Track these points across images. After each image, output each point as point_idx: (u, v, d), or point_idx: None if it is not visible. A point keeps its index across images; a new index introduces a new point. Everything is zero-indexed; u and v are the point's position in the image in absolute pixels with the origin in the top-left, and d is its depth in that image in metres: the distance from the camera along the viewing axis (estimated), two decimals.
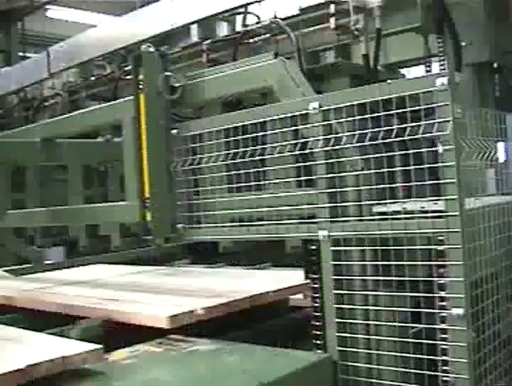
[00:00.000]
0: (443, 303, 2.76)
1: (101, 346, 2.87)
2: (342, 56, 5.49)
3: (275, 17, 5.09)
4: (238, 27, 5.99)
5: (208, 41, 5.84)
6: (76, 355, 2.75)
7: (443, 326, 2.77)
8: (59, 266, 6.11)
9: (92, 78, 7.26)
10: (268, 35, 5.44)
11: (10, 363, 2.60)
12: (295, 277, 3.95)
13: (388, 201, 2.94)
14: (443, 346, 2.77)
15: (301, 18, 5.09)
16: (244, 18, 5.73)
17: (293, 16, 5.10)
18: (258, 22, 5.33)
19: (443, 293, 2.76)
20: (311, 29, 5.12)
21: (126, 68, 6.31)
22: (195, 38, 6.07)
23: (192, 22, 5.24)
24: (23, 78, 5.51)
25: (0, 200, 4.91)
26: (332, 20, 4.66)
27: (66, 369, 2.71)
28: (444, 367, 2.76)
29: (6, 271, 5.52)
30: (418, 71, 6.18)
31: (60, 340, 3.11)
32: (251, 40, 5.52)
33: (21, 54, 15.76)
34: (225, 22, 6.40)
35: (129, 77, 6.10)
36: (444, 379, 2.77)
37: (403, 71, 6.32)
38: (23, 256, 6.02)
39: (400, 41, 5.35)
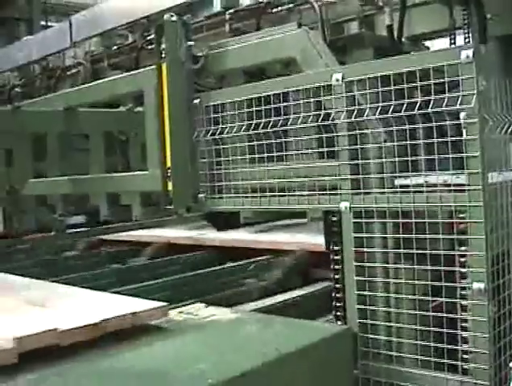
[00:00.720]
0: (464, 277, 2.76)
1: (166, 303, 3.03)
2: (366, 27, 5.44)
3: None
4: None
5: (231, 10, 5.80)
6: (143, 312, 2.93)
7: (463, 301, 2.77)
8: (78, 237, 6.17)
9: (114, 47, 7.25)
10: (291, 5, 5.39)
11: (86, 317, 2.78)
12: None
13: (410, 174, 2.93)
14: (464, 321, 2.77)
15: None
16: None
17: None
18: None
19: (464, 269, 2.76)
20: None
21: (148, 38, 6.28)
22: (218, 7, 6.02)
23: None
24: (46, 47, 5.51)
25: (22, 168, 4.92)
26: None
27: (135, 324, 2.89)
28: (464, 342, 2.77)
29: (28, 239, 5.56)
30: (442, 43, 6.11)
31: (129, 299, 3.22)
32: (274, 10, 5.48)
33: (43, 23, 15.80)
34: None
35: (151, 47, 6.10)
36: (464, 353, 2.77)
37: (427, 43, 6.25)
38: (46, 225, 6.06)
39: (424, 12, 5.29)
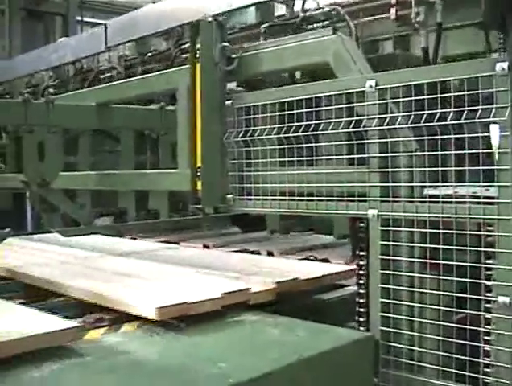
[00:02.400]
0: (490, 291, 2.74)
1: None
2: (400, 48, 5.42)
3: (335, 4, 5.04)
4: (297, 11, 5.93)
5: (266, 24, 5.80)
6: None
7: (487, 314, 2.75)
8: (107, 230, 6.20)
9: (148, 54, 7.29)
10: (327, 22, 5.38)
11: None
12: None
13: (440, 184, 2.92)
14: (487, 334, 2.75)
15: (361, 6, 5.04)
16: (303, 3, 5.68)
17: (353, 4, 5.05)
18: (317, 9, 5.28)
19: (489, 282, 2.74)
20: (371, 18, 5.06)
21: (183, 47, 6.31)
22: (252, 20, 6.02)
23: (250, 5, 5.21)
24: (80, 50, 5.56)
25: (54, 161, 4.97)
26: (393, 11, 4.60)
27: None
28: (486, 355, 2.75)
29: (57, 231, 5.61)
30: None
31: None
32: (309, 26, 5.47)
33: (78, 18, 15.93)
34: (284, 5, 6.32)
35: (185, 55, 6.12)
36: (486, 366, 2.75)
37: None
38: (74, 219, 6.12)
39: (460, 35, 5.25)
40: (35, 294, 3.80)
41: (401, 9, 4.55)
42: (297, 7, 5.73)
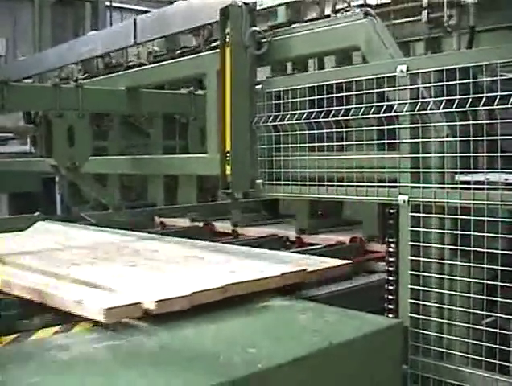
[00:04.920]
0: None
1: None
2: (432, 49, 5.37)
3: (366, 4, 5.00)
4: (327, 11, 5.89)
5: (296, 24, 5.78)
6: None
7: None
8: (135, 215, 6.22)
9: (178, 52, 7.28)
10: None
11: None
12: None
13: (471, 170, 2.88)
14: None
15: (392, 8, 5.00)
16: (334, 4, 5.66)
17: (384, 5, 5.01)
18: (347, 10, 5.25)
19: None
20: (402, 20, 5.02)
21: (213, 45, 6.30)
22: (282, 19, 5.99)
23: (280, 4, 5.20)
24: (109, 43, 5.56)
25: (83, 146, 4.99)
26: (425, 13, 4.57)
27: None
28: None
29: (87, 215, 5.64)
30: None
31: None
32: None
33: (107, 3, 15.99)
34: (315, 4, 6.28)
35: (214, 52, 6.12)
36: None
37: None
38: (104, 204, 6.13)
39: (492, 37, 5.19)
40: None
41: (432, 11, 4.51)
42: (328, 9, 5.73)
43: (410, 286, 3.07)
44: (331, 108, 3.35)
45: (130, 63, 7.60)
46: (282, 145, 3.67)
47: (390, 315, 3.17)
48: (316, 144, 3.46)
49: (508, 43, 4.84)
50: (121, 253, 4.32)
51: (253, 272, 3.51)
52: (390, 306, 3.19)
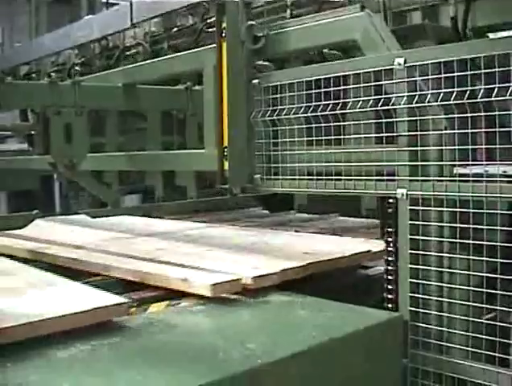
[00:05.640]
0: None
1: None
2: (429, 18, 5.34)
3: None
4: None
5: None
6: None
7: None
8: (134, 211, 6.22)
9: (175, 29, 7.26)
10: None
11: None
12: None
13: (470, 163, 2.87)
14: None
15: None
16: None
17: None
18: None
19: None
20: None
21: (209, 20, 6.28)
22: None
23: None
24: (106, 27, 5.53)
25: (80, 144, 4.98)
26: None
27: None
28: None
29: (85, 213, 5.63)
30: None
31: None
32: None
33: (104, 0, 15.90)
34: None
35: (211, 30, 6.09)
36: None
37: (491, 35, 6.11)
38: (102, 200, 6.13)
39: (489, 4, 5.16)
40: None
41: None
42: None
43: (409, 280, 3.06)
44: (328, 102, 3.33)
45: (127, 44, 7.58)
46: (280, 140, 3.66)
47: (390, 305, 3.16)
48: (314, 138, 3.45)
49: (504, 10, 4.87)
50: (189, 240, 4.67)
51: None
52: (389, 296, 3.18)
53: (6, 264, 3.88)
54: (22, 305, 2.77)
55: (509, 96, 2.68)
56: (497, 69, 2.74)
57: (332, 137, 3.37)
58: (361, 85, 3.23)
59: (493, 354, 2.78)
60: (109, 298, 2.89)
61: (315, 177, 3.45)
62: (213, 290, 3.15)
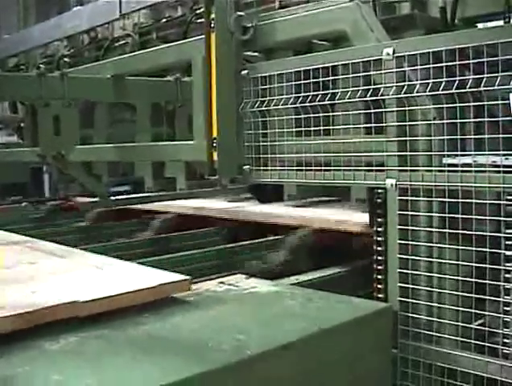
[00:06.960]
0: (510, 261, 2.71)
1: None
2: (418, 8, 5.34)
3: None
4: None
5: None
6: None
7: (506, 284, 2.72)
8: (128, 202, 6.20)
9: (163, 20, 7.24)
10: None
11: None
12: None
13: (459, 153, 2.87)
14: (506, 305, 2.73)
15: None
16: None
17: None
18: None
19: (509, 252, 2.71)
20: None
21: (198, 11, 6.26)
22: None
23: None
24: (95, 18, 5.51)
25: (69, 134, 4.96)
26: None
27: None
28: (506, 326, 2.73)
29: None
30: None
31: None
32: None
33: None
34: None
35: (200, 20, 6.07)
36: (505, 337, 2.73)
37: (480, 26, 6.12)
38: (91, 191, 6.11)
39: None
40: None
41: None
42: None
43: (398, 270, 3.06)
44: (317, 93, 3.33)
45: (116, 35, 7.55)
46: (269, 131, 3.65)
47: (379, 295, 3.17)
48: (303, 129, 3.44)
49: (493, 1, 4.86)
50: None
51: None
52: (378, 286, 3.19)
53: (52, 247, 3.96)
54: (95, 282, 2.95)
55: (498, 86, 2.68)
56: (485, 59, 2.74)
57: (321, 128, 3.37)
58: (350, 76, 3.23)
59: (483, 343, 2.79)
60: (169, 276, 3.05)
61: (304, 167, 3.45)
62: None
